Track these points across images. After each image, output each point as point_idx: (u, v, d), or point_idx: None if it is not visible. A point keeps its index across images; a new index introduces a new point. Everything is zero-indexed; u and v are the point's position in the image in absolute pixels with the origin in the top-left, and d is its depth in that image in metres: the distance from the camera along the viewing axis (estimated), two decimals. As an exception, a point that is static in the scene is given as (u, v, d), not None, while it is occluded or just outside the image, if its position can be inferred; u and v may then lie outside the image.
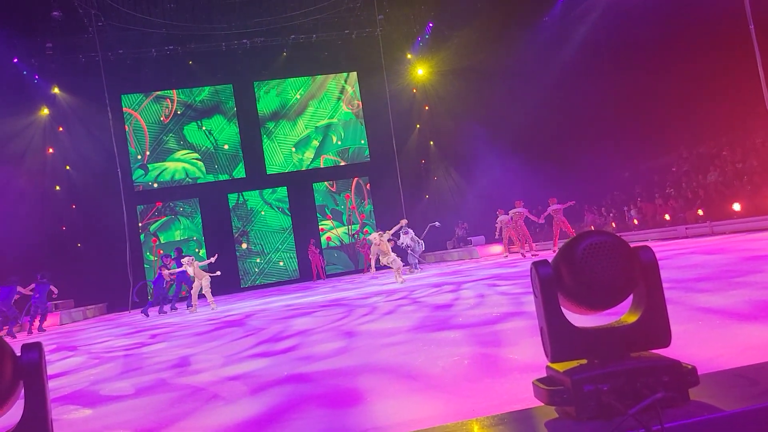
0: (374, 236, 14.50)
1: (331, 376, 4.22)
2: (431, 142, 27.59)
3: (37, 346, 0.74)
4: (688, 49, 17.45)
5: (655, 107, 18.97)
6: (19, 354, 0.74)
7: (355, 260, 25.37)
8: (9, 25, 19.25)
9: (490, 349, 4.42)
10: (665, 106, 18.76)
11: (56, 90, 23.65)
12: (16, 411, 0.86)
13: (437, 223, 19.51)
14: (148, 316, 13.41)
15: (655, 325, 1.73)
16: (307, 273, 24.36)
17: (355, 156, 27.21)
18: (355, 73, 27.23)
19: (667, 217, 16.83)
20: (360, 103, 27.24)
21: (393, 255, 14.18)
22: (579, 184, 19.85)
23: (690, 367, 1.64)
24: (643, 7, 17.59)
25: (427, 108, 27.20)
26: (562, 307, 1.69)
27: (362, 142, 27.24)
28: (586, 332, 1.70)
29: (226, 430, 3.19)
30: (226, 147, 26.18)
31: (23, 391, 0.74)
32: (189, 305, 14.38)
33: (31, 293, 14.77)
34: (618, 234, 1.73)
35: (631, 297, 1.79)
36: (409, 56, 26.24)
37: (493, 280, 10.72)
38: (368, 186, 27.13)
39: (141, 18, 20.54)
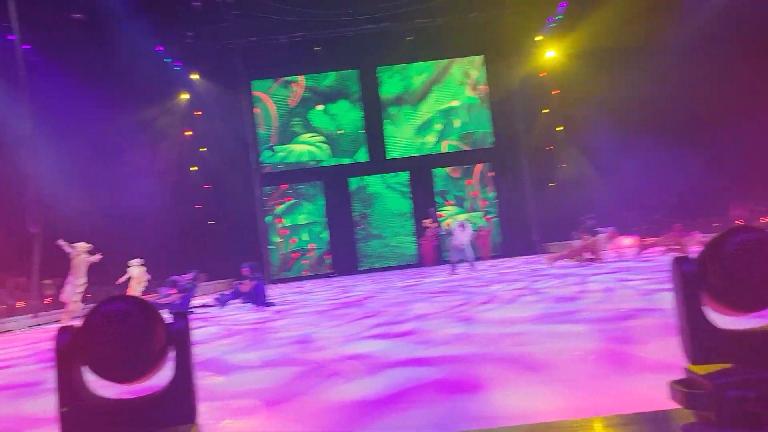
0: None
1: (449, 362, 4.19)
2: (559, 128, 26.57)
3: (184, 316, 0.81)
4: None
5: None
6: (169, 322, 0.81)
7: (476, 248, 25.01)
8: (154, 16, 20.83)
9: (618, 346, 4.18)
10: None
11: (195, 76, 25.36)
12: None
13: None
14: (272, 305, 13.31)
15: None
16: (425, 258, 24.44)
17: (479, 141, 26.85)
18: (481, 56, 26.78)
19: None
20: (485, 87, 26.78)
21: None
22: (726, 175, 18.25)
23: None
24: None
25: (556, 92, 26.18)
26: (705, 307, 1.56)
27: (486, 127, 26.81)
28: (731, 334, 1.55)
29: (345, 407, 3.25)
30: (340, 132, 26.76)
31: (172, 355, 0.82)
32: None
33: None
34: None
35: None
36: (538, 38, 25.34)
37: (623, 274, 10.18)
38: (491, 173, 26.69)
39: (273, 6, 21.42)
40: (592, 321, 5.40)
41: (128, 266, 14.95)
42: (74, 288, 12.66)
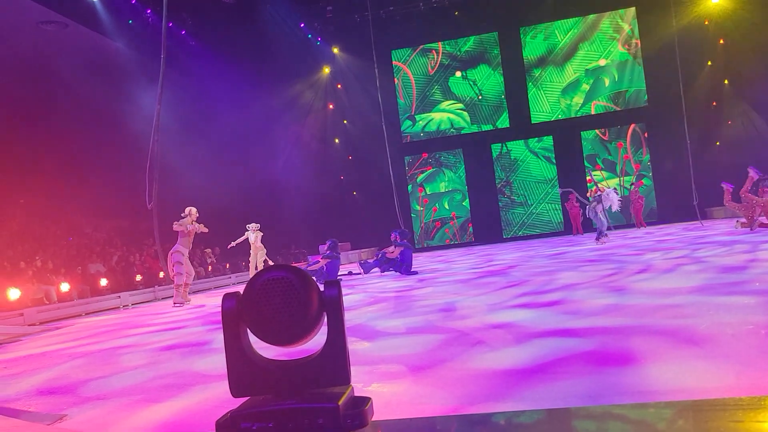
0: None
1: (600, 334, 4.01)
2: (725, 81, 24.06)
3: (336, 284, 0.86)
4: None
5: None
6: (322, 289, 0.87)
7: (627, 214, 23.54)
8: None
9: (798, 320, 3.77)
10: None
11: (335, 50, 26.08)
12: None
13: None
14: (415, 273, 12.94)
15: None
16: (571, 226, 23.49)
17: (631, 101, 25.12)
18: (633, 8, 24.89)
19: None
20: (638, 41, 24.89)
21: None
22: None
23: None
24: None
25: (721, 42, 23.63)
26: None
27: (640, 85, 24.98)
28: None
29: (491, 375, 3.24)
30: (480, 98, 26.24)
31: (326, 321, 0.88)
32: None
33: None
34: None
35: None
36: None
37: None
38: (646, 134, 24.91)
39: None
40: (765, 293, 4.90)
41: (246, 229, 14.38)
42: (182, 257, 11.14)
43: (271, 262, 13.88)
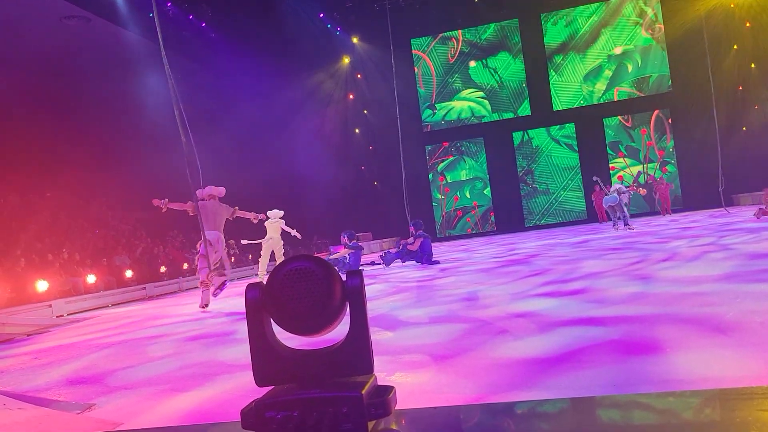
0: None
1: (624, 322, 3.98)
2: (752, 65, 23.52)
3: (359, 274, 0.86)
4: None
5: None
6: (345, 279, 0.87)
7: (651, 202, 23.27)
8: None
9: (828, 309, 3.69)
10: None
11: (355, 40, 25.99)
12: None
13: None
14: (437, 263, 12.65)
15: None
16: (594, 214, 23.29)
17: (655, 86, 24.71)
18: (656, -9, 24.45)
19: None
20: (662, 26, 24.43)
21: None
22: None
23: None
24: None
25: (748, 25, 23.07)
26: None
27: (663, 70, 24.55)
28: None
29: (515, 364, 3.24)
30: (500, 86, 26.00)
31: (349, 310, 0.88)
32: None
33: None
34: None
35: None
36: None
37: (831, 228, 8.93)
38: (670, 120, 24.50)
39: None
40: (795, 280, 4.81)
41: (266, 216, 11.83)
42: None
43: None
